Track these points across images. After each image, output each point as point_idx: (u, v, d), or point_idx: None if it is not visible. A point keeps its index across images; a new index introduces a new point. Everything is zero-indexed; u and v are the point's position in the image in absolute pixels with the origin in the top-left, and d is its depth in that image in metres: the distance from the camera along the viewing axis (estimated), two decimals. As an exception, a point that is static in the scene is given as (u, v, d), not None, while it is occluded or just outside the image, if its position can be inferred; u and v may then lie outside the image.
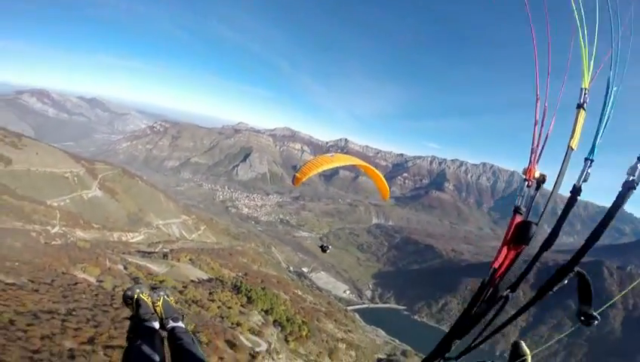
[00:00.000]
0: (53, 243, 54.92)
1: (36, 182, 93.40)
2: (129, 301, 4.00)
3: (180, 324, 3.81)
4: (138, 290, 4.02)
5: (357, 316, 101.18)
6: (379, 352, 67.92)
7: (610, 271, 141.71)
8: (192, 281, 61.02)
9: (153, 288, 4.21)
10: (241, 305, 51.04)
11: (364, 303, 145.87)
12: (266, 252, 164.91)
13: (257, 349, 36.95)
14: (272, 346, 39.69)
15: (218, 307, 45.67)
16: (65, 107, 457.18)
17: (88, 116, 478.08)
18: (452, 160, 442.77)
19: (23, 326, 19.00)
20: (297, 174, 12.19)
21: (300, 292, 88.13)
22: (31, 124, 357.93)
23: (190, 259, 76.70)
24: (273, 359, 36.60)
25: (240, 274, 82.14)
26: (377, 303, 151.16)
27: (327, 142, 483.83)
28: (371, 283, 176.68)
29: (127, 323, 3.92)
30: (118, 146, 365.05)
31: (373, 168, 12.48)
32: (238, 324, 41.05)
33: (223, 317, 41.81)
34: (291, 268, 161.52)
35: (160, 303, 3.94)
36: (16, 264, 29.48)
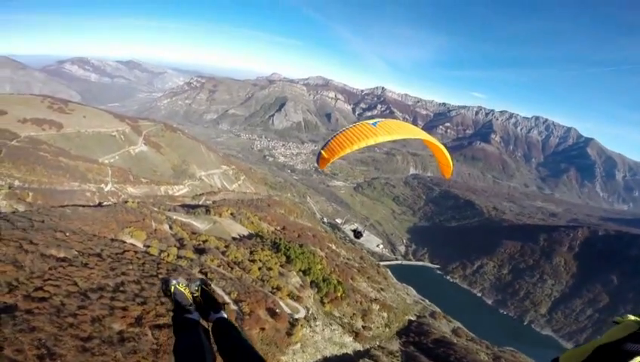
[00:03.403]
0: (105, 203, 58.65)
1: (87, 143, 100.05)
2: (167, 293, 3.87)
3: (222, 315, 3.78)
4: (175, 282, 3.86)
5: (389, 272, 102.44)
6: (409, 313, 68.99)
7: None
8: (234, 238, 63.85)
9: (192, 281, 4.04)
10: (281, 265, 52.67)
11: (397, 259, 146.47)
12: (301, 202, 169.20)
13: (296, 316, 38.35)
14: (310, 312, 40.97)
15: (259, 268, 47.34)
16: (105, 71, 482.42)
17: (128, 78, 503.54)
18: (500, 111, 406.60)
19: (74, 310, 19.86)
20: (324, 152, 8.86)
21: (334, 247, 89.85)
22: (77, 90, 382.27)
23: (231, 214, 79.63)
24: (311, 326, 37.88)
25: (278, 228, 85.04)
26: (411, 260, 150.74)
27: (362, 91, 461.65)
28: (405, 238, 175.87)
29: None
30: (159, 103, 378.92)
31: (435, 140, 10.07)
32: (278, 288, 42.48)
33: (263, 281, 43.38)
34: (325, 219, 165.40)
35: (199, 294, 3.85)
36: (67, 235, 31.05)
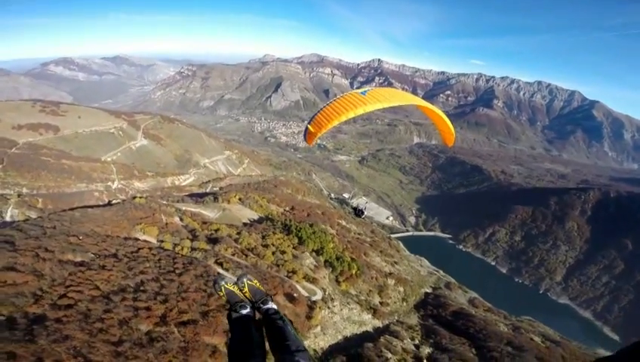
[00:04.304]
0: (115, 201, 58.65)
1: (86, 142, 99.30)
2: (220, 293, 4.30)
3: (271, 306, 4.09)
4: (223, 283, 4.32)
5: (401, 245, 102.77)
6: (425, 286, 69.67)
7: None
8: (245, 224, 64.04)
9: (238, 278, 4.47)
10: (294, 247, 52.92)
11: (407, 230, 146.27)
12: (307, 179, 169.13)
13: (314, 298, 38.72)
14: (327, 293, 41.37)
15: (272, 253, 47.62)
16: (92, 69, 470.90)
17: (117, 73, 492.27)
18: (501, 77, 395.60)
19: (100, 314, 19.94)
20: (310, 127, 8.50)
21: (344, 223, 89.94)
22: (67, 90, 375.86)
23: (239, 199, 79.67)
24: (329, 307, 38.31)
25: (287, 208, 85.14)
26: (422, 231, 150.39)
27: (358, 64, 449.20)
28: (415, 208, 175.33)
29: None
30: (153, 96, 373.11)
31: (431, 106, 9.65)
32: (294, 272, 42.76)
33: (278, 266, 43.65)
34: (332, 195, 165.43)
35: (246, 288, 4.25)
36: (81, 238, 31.00)
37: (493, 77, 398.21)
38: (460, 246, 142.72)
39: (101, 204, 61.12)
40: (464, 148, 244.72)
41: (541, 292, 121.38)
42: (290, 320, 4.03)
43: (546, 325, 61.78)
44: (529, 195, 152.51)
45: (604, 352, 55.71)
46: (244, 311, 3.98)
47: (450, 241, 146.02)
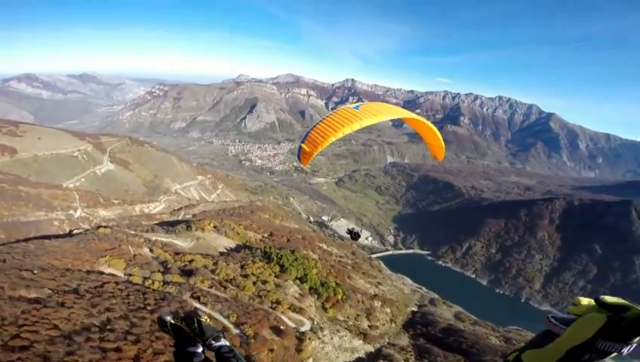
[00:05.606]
0: (77, 231, 53.58)
1: (46, 167, 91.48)
2: (165, 329, 3.93)
3: (224, 343, 3.84)
4: (169, 318, 3.95)
5: (382, 264, 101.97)
6: (410, 304, 68.46)
7: (638, 212, 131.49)
8: (221, 253, 60.48)
9: (186, 314, 4.02)
10: (276, 276, 50.18)
11: (387, 249, 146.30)
12: (285, 204, 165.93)
13: (302, 329, 36.11)
14: (315, 322, 38.83)
15: (253, 283, 44.65)
16: (57, 87, 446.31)
17: (83, 92, 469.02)
18: (466, 94, 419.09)
19: (62, 357, 17.03)
20: (305, 146, 7.89)
21: (325, 246, 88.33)
22: (29, 109, 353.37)
23: (214, 227, 75.99)
24: (319, 338, 35.79)
25: (265, 234, 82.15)
26: (401, 249, 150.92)
27: (332, 85, 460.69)
28: (392, 227, 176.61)
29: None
30: (122, 116, 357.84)
31: (421, 118, 9.15)
32: (278, 302, 40.02)
33: (261, 297, 40.75)
34: (312, 219, 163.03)
35: (195, 324, 3.92)
36: (35, 273, 27.27)
37: (458, 94, 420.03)
38: (440, 262, 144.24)
39: (61, 233, 55.56)
40: (435, 166, 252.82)
41: (523, 301, 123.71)
42: (247, 357, 2.75)
43: (534, 333, 61.64)
44: (500, 208, 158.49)
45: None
46: (193, 349, 3.62)
47: (430, 257, 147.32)
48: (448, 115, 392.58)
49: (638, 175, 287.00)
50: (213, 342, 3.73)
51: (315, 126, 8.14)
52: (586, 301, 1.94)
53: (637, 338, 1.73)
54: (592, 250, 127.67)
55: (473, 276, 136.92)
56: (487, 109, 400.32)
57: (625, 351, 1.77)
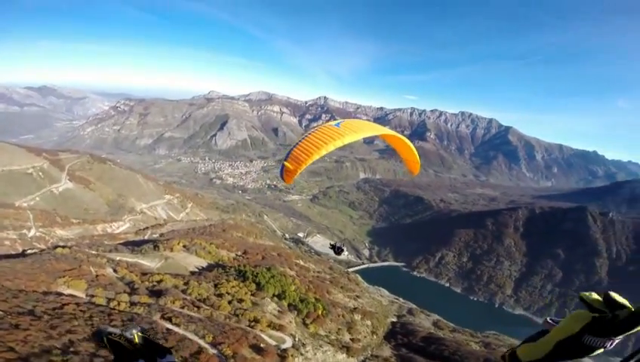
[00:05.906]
0: (30, 251, 48.52)
1: None
2: (102, 345, 3.36)
3: (170, 359, 3.42)
4: (107, 332, 3.40)
5: (359, 277, 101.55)
6: (389, 315, 68.14)
7: (594, 217, 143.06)
8: (192, 273, 57.21)
9: (125, 329, 3.42)
10: (252, 294, 47.98)
11: (363, 263, 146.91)
12: (258, 221, 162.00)
13: (283, 346, 34.29)
14: (297, 338, 37.12)
15: (229, 302, 42.34)
16: (13, 99, 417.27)
17: (42, 105, 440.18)
18: (431, 110, 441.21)
19: None
20: (288, 163, 7.84)
21: (302, 262, 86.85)
22: None
23: (184, 246, 72.23)
24: (302, 354, 34.10)
25: (239, 253, 79.14)
26: (376, 262, 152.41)
27: (306, 102, 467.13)
28: (367, 241, 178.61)
29: None
30: (83, 132, 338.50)
31: (400, 135, 9.15)
32: (256, 321, 37.97)
33: (237, 315, 38.52)
34: (287, 236, 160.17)
35: (137, 340, 3.40)
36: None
37: (424, 110, 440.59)
38: (414, 273, 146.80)
39: (13, 253, 49.95)
40: (405, 181, 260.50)
41: (497, 306, 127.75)
42: None
43: (511, 337, 63.48)
44: (468, 219, 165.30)
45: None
46: None
47: (404, 269, 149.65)
48: (416, 131, 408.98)
49: (589, 182, 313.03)
50: (158, 358, 3.27)
51: (297, 144, 8.19)
52: (595, 295, 2.03)
53: (620, 336, 1.87)
54: (556, 254, 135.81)
55: (447, 284, 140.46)
56: (451, 125, 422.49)
57: (609, 345, 1.90)
